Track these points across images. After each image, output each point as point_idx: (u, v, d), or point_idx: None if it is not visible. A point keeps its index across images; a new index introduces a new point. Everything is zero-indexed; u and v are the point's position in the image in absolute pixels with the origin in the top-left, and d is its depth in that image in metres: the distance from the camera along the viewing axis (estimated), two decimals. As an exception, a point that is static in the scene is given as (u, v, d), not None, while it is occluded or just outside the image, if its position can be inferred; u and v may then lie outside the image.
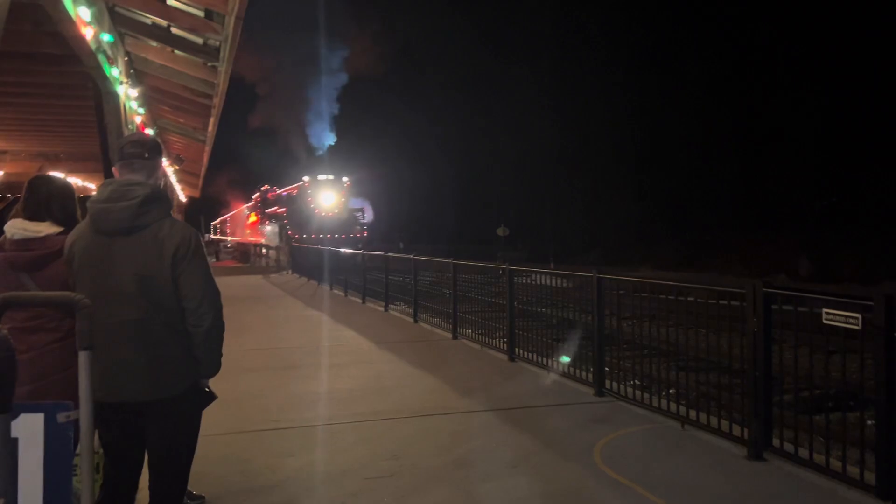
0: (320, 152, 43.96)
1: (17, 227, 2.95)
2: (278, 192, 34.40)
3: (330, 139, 44.66)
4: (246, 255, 39.14)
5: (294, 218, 30.02)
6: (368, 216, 31.82)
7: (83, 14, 4.85)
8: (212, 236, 60.00)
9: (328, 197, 30.26)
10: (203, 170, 19.64)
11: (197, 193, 34.23)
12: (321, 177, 30.97)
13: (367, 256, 15.22)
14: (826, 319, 3.84)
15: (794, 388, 4.91)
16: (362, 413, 5.60)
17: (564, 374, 6.69)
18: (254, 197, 39.30)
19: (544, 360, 7.13)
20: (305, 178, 31.15)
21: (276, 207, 33.03)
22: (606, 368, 6.19)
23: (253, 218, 38.23)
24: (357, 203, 31.71)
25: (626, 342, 6.85)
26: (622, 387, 6.01)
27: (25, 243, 2.95)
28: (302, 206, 30.10)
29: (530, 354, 7.45)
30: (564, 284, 7.39)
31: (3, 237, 3.02)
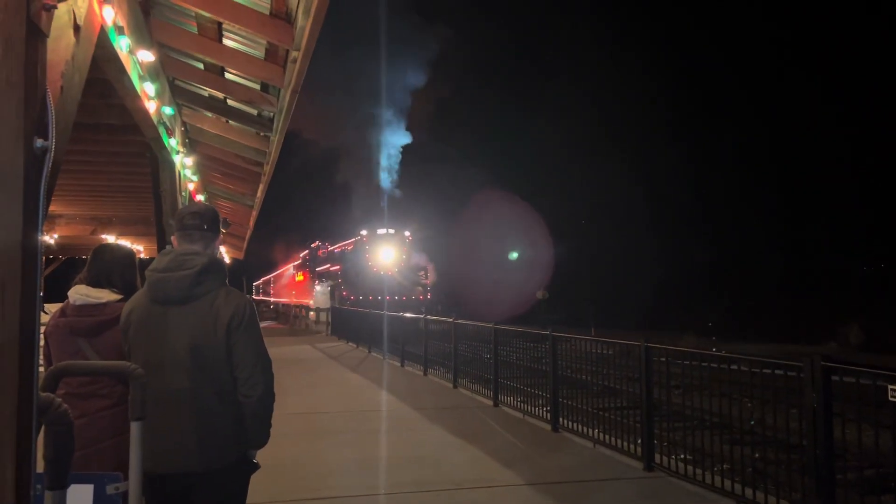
0: (381, 203, 39.66)
1: (80, 293, 3.03)
2: (330, 248, 32.04)
3: (390, 188, 40.55)
4: (286, 317, 38.35)
5: (349, 277, 27.48)
6: (432, 276, 28.62)
7: (148, 89, 5.11)
8: (253, 297, 60.09)
9: (388, 253, 27.44)
10: (248, 233, 20.08)
11: (241, 255, 34.67)
12: (380, 231, 28.05)
13: (406, 319, 15.19)
14: (892, 396, 3.67)
15: (858, 466, 4.67)
16: (403, 483, 5.48)
17: (611, 447, 6.48)
18: (301, 255, 36.96)
19: (590, 430, 6.92)
20: (363, 232, 28.32)
21: (327, 265, 30.71)
22: (655, 441, 5.98)
23: (300, 277, 35.93)
24: (419, 260, 28.67)
25: (675, 413, 6.63)
26: (672, 461, 5.78)
27: (86, 309, 3.02)
28: (358, 263, 27.43)
29: (574, 424, 7.24)
30: (608, 352, 7.24)
31: (65, 302, 3.10)
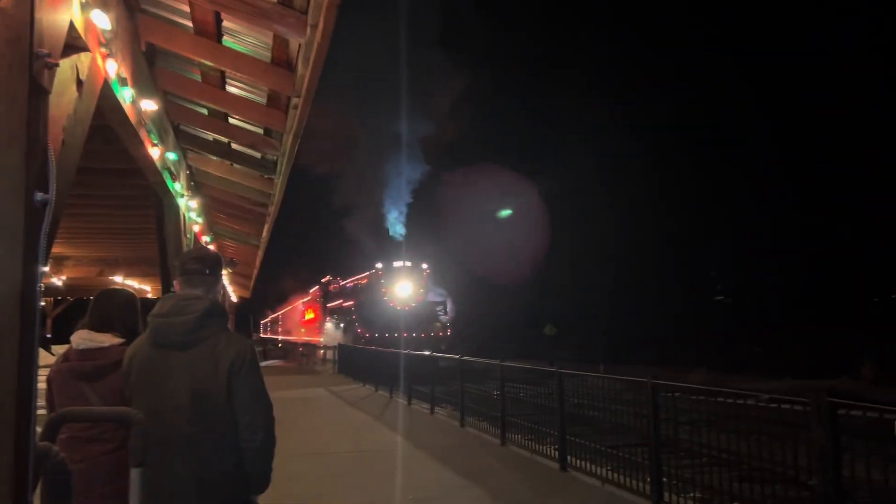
0: (394, 236, 38.78)
1: (83, 338, 3.07)
2: (342, 283, 30.89)
3: (400, 227, 39.55)
4: (294, 355, 37.69)
5: (363, 312, 26.27)
6: (451, 311, 27.37)
7: (151, 136, 5.21)
8: (261, 335, 59.43)
9: (404, 287, 26.27)
10: (255, 272, 20.17)
11: (248, 294, 34.52)
12: (396, 263, 26.94)
13: (413, 357, 15.12)
14: (899, 431, 3.63)
15: (870, 503, 4.59)
16: (409, 526, 5.41)
17: (620, 486, 6.38)
18: (311, 291, 36.05)
19: (598, 469, 6.83)
20: (378, 266, 27.22)
21: (340, 301, 29.63)
22: (664, 479, 5.90)
23: (310, 314, 35.09)
24: (437, 295, 27.46)
25: (683, 450, 6.55)
26: (681, 499, 5.69)
27: (89, 353, 3.05)
28: (373, 298, 26.25)
29: (583, 463, 7.15)
30: (617, 388, 7.19)
31: (68, 347, 3.13)
